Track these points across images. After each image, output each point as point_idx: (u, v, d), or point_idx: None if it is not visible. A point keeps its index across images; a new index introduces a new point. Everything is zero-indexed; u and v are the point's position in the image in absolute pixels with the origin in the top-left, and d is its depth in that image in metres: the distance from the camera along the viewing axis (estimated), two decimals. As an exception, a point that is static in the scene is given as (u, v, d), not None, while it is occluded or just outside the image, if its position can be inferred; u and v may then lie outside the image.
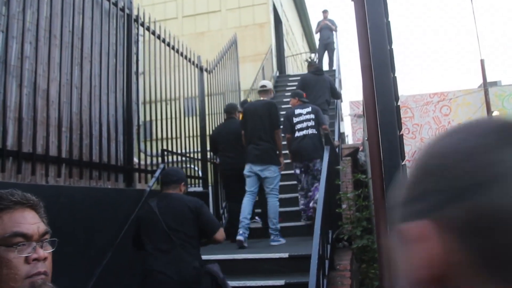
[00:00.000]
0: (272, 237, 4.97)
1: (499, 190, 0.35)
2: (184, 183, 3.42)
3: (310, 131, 5.45)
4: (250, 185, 5.08)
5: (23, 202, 1.00)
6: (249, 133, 5.18)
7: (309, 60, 10.07)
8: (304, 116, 5.56)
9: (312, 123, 5.49)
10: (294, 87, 7.95)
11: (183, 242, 3.08)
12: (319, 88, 7.05)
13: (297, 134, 5.49)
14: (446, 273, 0.37)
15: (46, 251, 0.99)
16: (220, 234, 3.27)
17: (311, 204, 5.23)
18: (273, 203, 5.02)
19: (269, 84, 5.70)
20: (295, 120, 5.56)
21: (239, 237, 4.80)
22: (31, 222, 0.99)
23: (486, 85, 17.37)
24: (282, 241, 4.97)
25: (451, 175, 0.38)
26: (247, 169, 5.08)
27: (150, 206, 3.23)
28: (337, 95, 7.68)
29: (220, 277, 3.15)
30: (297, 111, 5.63)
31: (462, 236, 0.37)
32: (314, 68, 7.68)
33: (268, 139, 5.08)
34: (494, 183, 0.36)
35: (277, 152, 5.17)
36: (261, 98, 5.49)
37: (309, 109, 5.61)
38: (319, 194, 3.98)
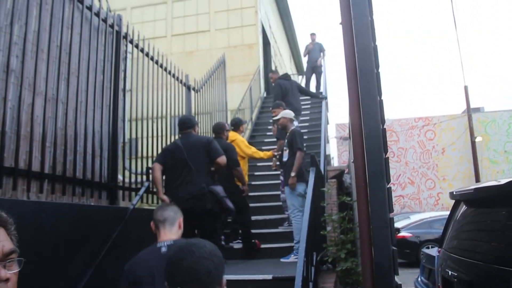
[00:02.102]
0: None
1: None
2: (197, 125, 4.65)
3: None
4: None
5: None
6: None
7: (273, 70, 10.35)
8: None
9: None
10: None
11: (198, 168, 4.16)
12: (295, 91, 7.91)
13: None
14: None
15: (9, 271, 0.93)
16: (221, 159, 4.25)
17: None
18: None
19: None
20: None
21: None
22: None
23: (469, 111, 17.69)
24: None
25: None
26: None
27: (175, 142, 4.41)
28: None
29: (220, 195, 4.21)
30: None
31: None
32: (283, 74, 8.59)
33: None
34: None
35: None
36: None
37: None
38: (304, 216, 3.97)
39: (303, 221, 3.87)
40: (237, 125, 6.46)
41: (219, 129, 5.88)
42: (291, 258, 4.97)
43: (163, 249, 2.45)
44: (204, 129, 7.24)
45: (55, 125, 3.65)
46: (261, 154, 6.33)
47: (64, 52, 3.85)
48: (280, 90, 7.65)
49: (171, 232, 2.56)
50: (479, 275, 2.87)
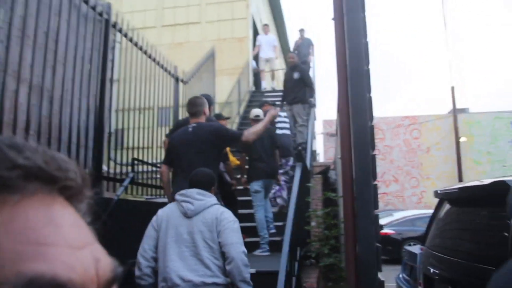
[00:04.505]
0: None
1: None
2: (208, 106, 4.11)
3: None
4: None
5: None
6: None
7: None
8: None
9: None
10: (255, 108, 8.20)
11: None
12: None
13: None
14: None
15: None
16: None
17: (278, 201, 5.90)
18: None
19: (262, 113, 5.97)
20: None
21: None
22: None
23: (455, 112, 17.89)
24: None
25: None
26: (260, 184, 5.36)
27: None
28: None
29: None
30: None
31: None
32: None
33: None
34: None
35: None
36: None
37: None
38: (288, 212, 3.98)
39: (288, 216, 3.88)
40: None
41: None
42: (257, 252, 5.02)
43: (190, 129, 3.76)
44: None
45: (39, 113, 3.59)
46: (232, 158, 6.03)
47: (51, 39, 3.78)
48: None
49: (197, 119, 3.84)
50: (460, 273, 2.91)
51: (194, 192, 2.82)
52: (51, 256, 0.32)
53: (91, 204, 0.44)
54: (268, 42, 11.62)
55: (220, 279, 2.67)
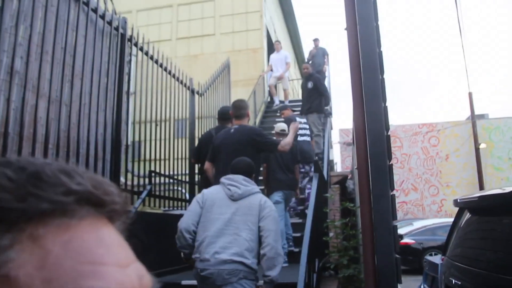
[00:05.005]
0: None
1: None
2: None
3: None
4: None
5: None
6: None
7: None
8: None
9: None
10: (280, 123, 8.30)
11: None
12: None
13: None
14: None
15: None
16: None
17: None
18: None
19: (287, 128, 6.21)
20: None
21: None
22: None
23: (474, 118, 17.63)
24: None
25: None
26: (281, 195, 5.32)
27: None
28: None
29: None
30: None
31: None
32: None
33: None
34: None
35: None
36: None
37: None
38: (306, 222, 3.95)
39: (306, 227, 3.85)
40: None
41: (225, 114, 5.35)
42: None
43: (232, 130, 4.08)
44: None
45: (58, 127, 3.65)
46: None
47: (69, 54, 3.85)
48: None
49: (240, 121, 4.14)
50: (482, 284, 2.84)
51: (240, 178, 3.08)
52: (105, 274, 0.35)
53: (127, 222, 0.46)
54: (280, 60, 11.48)
55: (248, 261, 2.84)
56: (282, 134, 5.92)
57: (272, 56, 11.46)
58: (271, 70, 11.43)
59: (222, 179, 3.13)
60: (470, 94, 17.29)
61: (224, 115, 5.06)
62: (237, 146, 3.87)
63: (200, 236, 2.91)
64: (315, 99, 8.20)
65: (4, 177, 0.35)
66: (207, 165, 4.20)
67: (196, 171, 6.18)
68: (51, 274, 0.33)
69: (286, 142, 3.99)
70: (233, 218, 2.92)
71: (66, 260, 0.34)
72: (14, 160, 0.38)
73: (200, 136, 6.82)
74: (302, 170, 6.33)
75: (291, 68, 19.07)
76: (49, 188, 0.36)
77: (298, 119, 6.92)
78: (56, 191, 0.35)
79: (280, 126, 6.44)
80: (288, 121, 6.52)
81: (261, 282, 2.95)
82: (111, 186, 0.41)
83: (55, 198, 0.35)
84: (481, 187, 16.64)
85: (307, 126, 7.09)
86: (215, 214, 2.93)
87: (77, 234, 0.36)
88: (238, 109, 4.22)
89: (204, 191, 3.15)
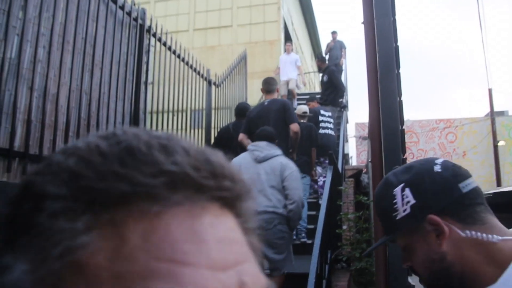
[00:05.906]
0: None
1: None
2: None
3: None
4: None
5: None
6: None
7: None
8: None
9: None
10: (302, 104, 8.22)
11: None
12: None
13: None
14: None
15: None
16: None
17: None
18: None
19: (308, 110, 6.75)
20: None
21: None
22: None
23: (493, 114, 17.37)
24: None
25: None
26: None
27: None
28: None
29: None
30: None
31: None
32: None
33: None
34: None
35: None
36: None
37: None
38: (320, 214, 3.98)
39: (319, 219, 3.88)
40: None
41: (243, 111, 5.59)
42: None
43: (266, 103, 4.57)
44: (223, 123, 7.28)
45: (78, 115, 3.73)
46: None
47: (89, 44, 3.92)
48: None
49: (271, 95, 4.67)
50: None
51: (263, 143, 3.56)
52: (185, 276, 0.28)
53: (256, 214, 0.37)
54: (290, 62, 10.98)
55: (280, 210, 3.30)
56: (303, 116, 6.36)
57: (282, 57, 11.02)
58: (278, 73, 11.09)
59: (249, 146, 3.63)
60: (490, 90, 17.03)
61: (242, 111, 5.35)
62: (273, 115, 4.39)
63: None
64: (331, 92, 8.19)
65: (96, 151, 0.31)
66: (241, 136, 4.55)
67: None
68: (122, 269, 0.27)
69: (298, 128, 4.44)
70: (258, 178, 3.35)
71: (142, 254, 0.28)
72: (119, 132, 0.33)
73: (216, 127, 6.89)
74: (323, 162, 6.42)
75: (308, 61, 19.00)
76: (137, 167, 0.30)
77: (322, 111, 7.10)
78: (143, 171, 0.30)
79: (302, 108, 6.70)
80: (313, 113, 6.68)
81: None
82: (225, 168, 0.33)
83: (139, 179, 0.29)
84: (499, 185, 16.43)
85: (331, 120, 7.16)
86: None
87: (162, 224, 0.29)
88: (270, 84, 4.74)
89: (233, 159, 3.47)
